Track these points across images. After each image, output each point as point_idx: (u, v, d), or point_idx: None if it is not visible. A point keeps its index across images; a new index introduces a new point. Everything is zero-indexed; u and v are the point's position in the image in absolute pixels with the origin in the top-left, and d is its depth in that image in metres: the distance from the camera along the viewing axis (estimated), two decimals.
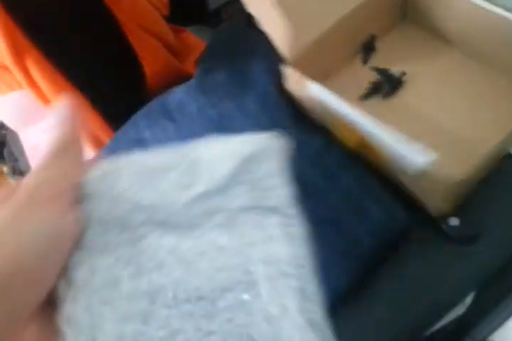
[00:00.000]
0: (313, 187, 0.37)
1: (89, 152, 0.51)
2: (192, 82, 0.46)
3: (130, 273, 0.27)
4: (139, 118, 0.46)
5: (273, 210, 0.29)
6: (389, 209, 0.36)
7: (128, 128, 0.45)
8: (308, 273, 0.27)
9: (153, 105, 0.46)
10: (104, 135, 0.49)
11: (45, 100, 0.49)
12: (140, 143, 0.43)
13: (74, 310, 0.25)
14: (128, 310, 0.27)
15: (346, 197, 0.36)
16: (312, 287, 0.26)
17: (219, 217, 0.28)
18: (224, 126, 0.41)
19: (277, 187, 0.30)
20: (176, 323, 0.26)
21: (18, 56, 0.48)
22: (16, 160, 0.70)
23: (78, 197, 0.27)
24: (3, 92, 0.58)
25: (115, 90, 0.50)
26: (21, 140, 0.64)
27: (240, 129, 0.40)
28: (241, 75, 0.45)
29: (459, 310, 0.38)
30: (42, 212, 0.21)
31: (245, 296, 0.26)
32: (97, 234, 0.27)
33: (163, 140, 0.42)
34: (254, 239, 0.28)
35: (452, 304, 0.37)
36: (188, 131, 0.42)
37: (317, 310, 0.26)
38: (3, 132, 0.74)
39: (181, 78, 0.52)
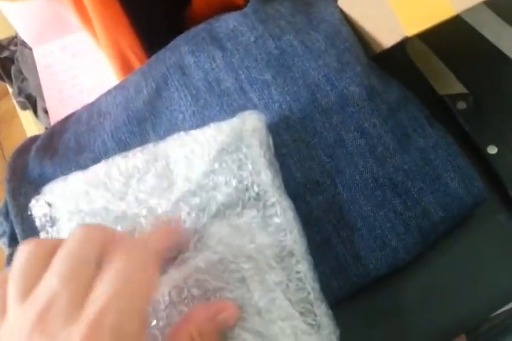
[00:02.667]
0: (381, 146, 0.32)
1: (117, 73, 0.44)
2: (248, 9, 0.40)
3: None
4: (180, 42, 0.39)
5: (256, 199, 0.28)
6: (468, 182, 0.31)
7: (168, 52, 0.39)
8: (298, 261, 0.28)
9: (198, 30, 0.40)
10: (135, 57, 0.43)
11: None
12: (181, 70, 0.37)
13: None
14: None
15: (420, 162, 0.31)
16: (302, 275, 0.27)
17: (206, 216, 0.28)
18: (285, 63, 0.35)
19: (258, 173, 0.29)
20: None
21: None
22: (24, 79, 0.64)
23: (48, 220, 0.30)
24: None
25: (158, 10, 0.44)
26: (35, 57, 0.58)
27: (303, 70, 0.34)
28: (307, 7, 0.39)
29: None
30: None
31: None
32: None
33: (208, 69, 0.36)
34: (238, 233, 0.28)
35: None
36: (240, 62, 0.36)
37: (311, 299, 0.27)
38: (13, 48, 0.67)
39: (228, 8, 0.45)
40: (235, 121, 0.30)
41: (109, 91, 0.41)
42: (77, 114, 0.41)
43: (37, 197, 0.30)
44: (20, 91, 0.64)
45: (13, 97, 0.66)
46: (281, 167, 0.31)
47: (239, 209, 0.28)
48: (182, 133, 0.30)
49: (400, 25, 0.32)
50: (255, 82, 0.35)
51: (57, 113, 0.54)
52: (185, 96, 0.36)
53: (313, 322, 0.27)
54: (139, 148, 0.30)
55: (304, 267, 0.27)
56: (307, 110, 0.33)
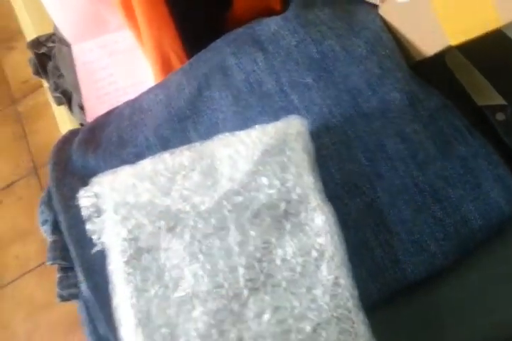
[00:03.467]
0: (422, 152, 0.32)
1: (157, 72, 0.46)
2: (289, 14, 0.41)
3: None
4: (222, 44, 0.40)
5: (299, 202, 0.29)
6: (508, 191, 0.31)
7: (209, 54, 0.40)
8: (338, 267, 0.28)
9: (240, 32, 0.41)
10: (176, 58, 0.44)
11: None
12: (222, 70, 0.38)
13: None
14: None
15: (460, 170, 0.32)
16: (341, 281, 0.28)
17: (248, 214, 0.29)
18: (326, 68, 0.35)
19: (301, 176, 0.29)
20: None
21: None
22: (60, 75, 0.65)
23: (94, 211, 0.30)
24: None
25: (201, 13, 0.45)
26: (73, 55, 0.59)
27: (344, 75, 0.35)
28: (347, 14, 0.40)
29: None
30: None
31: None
32: None
33: (249, 71, 0.37)
34: (283, 233, 0.29)
35: None
36: (282, 65, 0.36)
37: (349, 306, 0.27)
38: (50, 45, 0.69)
39: (266, 12, 0.46)
40: (279, 125, 0.31)
41: (150, 89, 0.42)
42: (118, 110, 0.42)
43: (85, 188, 0.31)
44: (56, 87, 0.66)
45: (49, 92, 0.67)
46: (320, 168, 0.32)
47: (280, 210, 0.29)
48: (228, 133, 0.31)
49: (445, 34, 0.33)
50: (296, 84, 0.35)
51: (94, 109, 0.56)
52: (227, 96, 0.37)
53: (351, 329, 0.27)
54: (185, 146, 0.31)
55: (343, 273, 0.28)
56: (348, 114, 0.33)
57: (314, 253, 0.28)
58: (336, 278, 0.27)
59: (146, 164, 0.31)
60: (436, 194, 0.31)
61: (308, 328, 0.27)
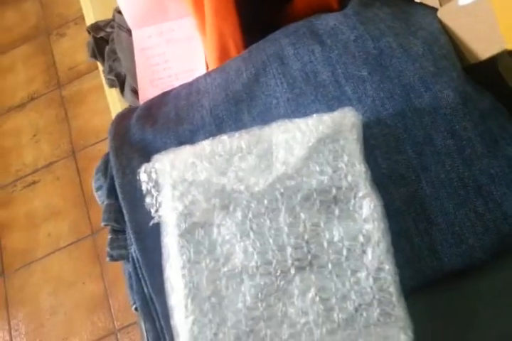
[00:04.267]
0: (469, 148, 0.33)
1: (213, 60, 0.48)
2: (348, 10, 0.42)
3: None
4: (281, 35, 0.42)
5: (349, 189, 0.30)
6: None
7: (268, 43, 0.42)
8: (382, 253, 0.29)
9: (299, 25, 0.43)
10: (235, 46, 0.46)
11: None
12: (280, 59, 0.39)
13: None
14: None
15: (506, 169, 0.33)
16: (385, 266, 0.29)
17: (299, 197, 0.30)
18: (382, 63, 0.37)
19: (353, 165, 0.31)
20: None
21: None
22: (116, 59, 0.68)
23: (153, 186, 0.32)
24: None
25: (263, 6, 0.47)
26: (133, 39, 0.62)
27: (399, 71, 0.36)
28: (406, 15, 0.41)
29: None
30: None
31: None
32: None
33: (306, 61, 0.38)
34: (331, 217, 0.30)
35: None
36: (338, 58, 0.38)
37: (391, 290, 0.29)
38: (108, 30, 0.72)
39: (324, 10, 0.48)
40: (335, 115, 0.32)
41: (208, 74, 0.44)
42: (175, 91, 0.44)
43: (146, 164, 0.33)
44: (111, 70, 0.69)
45: (102, 75, 0.70)
46: (367, 157, 0.33)
47: (330, 196, 0.30)
48: (286, 120, 0.33)
49: (502, 38, 0.34)
50: (351, 77, 0.37)
51: (147, 92, 0.58)
52: (282, 83, 0.39)
53: (391, 312, 0.28)
54: (244, 130, 0.33)
55: (387, 258, 0.29)
56: (399, 107, 0.35)
57: (361, 238, 0.29)
58: (381, 262, 0.29)
59: (206, 145, 0.33)
60: (480, 190, 0.32)
61: (350, 308, 0.28)
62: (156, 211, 0.32)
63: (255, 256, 0.30)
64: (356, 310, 0.28)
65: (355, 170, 0.31)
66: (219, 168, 0.32)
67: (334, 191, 0.31)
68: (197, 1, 0.45)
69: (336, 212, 0.30)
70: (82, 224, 1.38)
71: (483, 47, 0.36)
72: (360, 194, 0.31)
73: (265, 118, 0.37)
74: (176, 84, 0.48)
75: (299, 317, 0.28)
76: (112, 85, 0.68)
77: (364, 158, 0.32)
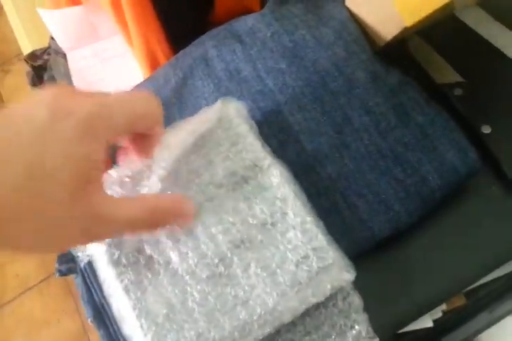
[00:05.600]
0: (384, 122, 0.35)
1: (145, 69, 0.49)
2: (265, 10, 0.45)
3: None
4: (205, 38, 0.44)
5: (253, 166, 0.32)
6: (463, 153, 0.34)
7: (193, 48, 0.44)
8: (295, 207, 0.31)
9: (220, 29, 0.45)
10: (163, 55, 0.48)
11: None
12: (205, 62, 0.41)
13: None
14: None
15: (419, 136, 0.35)
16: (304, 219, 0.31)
17: (212, 187, 0.32)
18: (298, 54, 0.39)
19: (251, 144, 0.33)
20: None
21: None
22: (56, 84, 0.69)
23: None
24: (60, 5, 0.57)
25: (185, 11, 0.49)
26: (68, 61, 0.63)
27: (314, 59, 0.39)
28: (317, 9, 0.44)
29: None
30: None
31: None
32: None
33: (229, 61, 0.40)
34: (247, 195, 0.31)
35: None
36: (258, 54, 0.40)
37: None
38: (46, 58, 0.73)
39: (247, 13, 0.50)
40: (219, 106, 0.35)
41: (140, 83, 0.45)
42: None
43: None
44: None
45: None
46: (294, 142, 0.35)
47: (238, 177, 0.32)
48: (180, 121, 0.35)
49: (400, 17, 0.36)
50: (271, 70, 0.39)
51: None
52: (208, 84, 0.40)
53: (327, 255, 0.29)
54: None
55: (307, 212, 0.31)
56: (317, 93, 0.37)
57: (278, 203, 0.31)
58: (303, 217, 0.30)
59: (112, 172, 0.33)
60: (397, 158, 0.35)
61: (291, 267, 0.29)
62: (84, 252, 0.33)
63: (190, 254, 0.31)
64: (296, 266, 0.29)
65: (252, 147, 0.33)
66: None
67: (241, 171, 0.32)
68: (120, 16, 0.46)
69: (250, 188, 0.32)
70: (49, 260, 1.35)
71: (386, 29, 0.39)
72: (265, 165, 0.32)
73: None
74: None
75: (249, 294, 0.29)
76: None
77: (258, 136, 0.34)
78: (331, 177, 0.35)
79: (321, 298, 0.29)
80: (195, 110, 0.40)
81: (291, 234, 0.30)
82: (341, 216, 0.34)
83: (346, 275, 0.29)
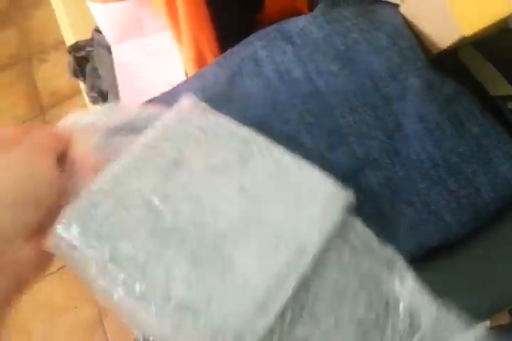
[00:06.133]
0: (438, 131, 0.35)
1: (190, 67, 0.50)
2: (316, 12, 0.45)
3: None
4: (253, 39, 0.44)
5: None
6: None
7: (241, 47, 0.44)
8: None
9: (269, 30, 0.45)
10: (211, 55, 0.48)
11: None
12: (254, 61, 0.41)
13: None
14: None
15: (474, 147, 0.35)
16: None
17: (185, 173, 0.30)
18: (350, 57, 0.39)
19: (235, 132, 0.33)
20: None
21: None
22: (98, 76, 0.69)
23: None
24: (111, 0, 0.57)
25: (237, 12, 0.49)
26: (113, 55, 0.64)
27: (367, 63, 0.38)
28: (369, 12, 0.44)
29: None
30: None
31: None
32: None
33: (279, 62, 0.40)
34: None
35: None
36: (309, 56, 0.40)
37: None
38: (89, 49, 0.74)
39: (296, 15, 0.50)
40: (180, 105, 0.35)
41: (186, 81, 0.46)
42: (155, 99, 0.46)
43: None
44: (93, 87, 0.70)
45: (85, 93, 0.71)
46: (344, 145, 0.35)
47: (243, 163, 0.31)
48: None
49: (458, 26, 0.36)
50: (322, 72, 0.39)
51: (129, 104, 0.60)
52: (257, 83, 0.40)
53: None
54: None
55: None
56: (369, 97, 0.37)
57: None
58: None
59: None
60: (451, 168, 0.34)
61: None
62: None
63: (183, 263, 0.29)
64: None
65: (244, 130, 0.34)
66: None
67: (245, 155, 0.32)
68: (173, 13, 0.47)
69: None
70: None
71: (442, 38, 0.38)
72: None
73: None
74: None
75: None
76: (94, 102, 0.69)
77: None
78: (380, 182, 0.35)
79: None
80: (243, 108, 0.40)
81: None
82: (386, 222, 0.34)
83: None
